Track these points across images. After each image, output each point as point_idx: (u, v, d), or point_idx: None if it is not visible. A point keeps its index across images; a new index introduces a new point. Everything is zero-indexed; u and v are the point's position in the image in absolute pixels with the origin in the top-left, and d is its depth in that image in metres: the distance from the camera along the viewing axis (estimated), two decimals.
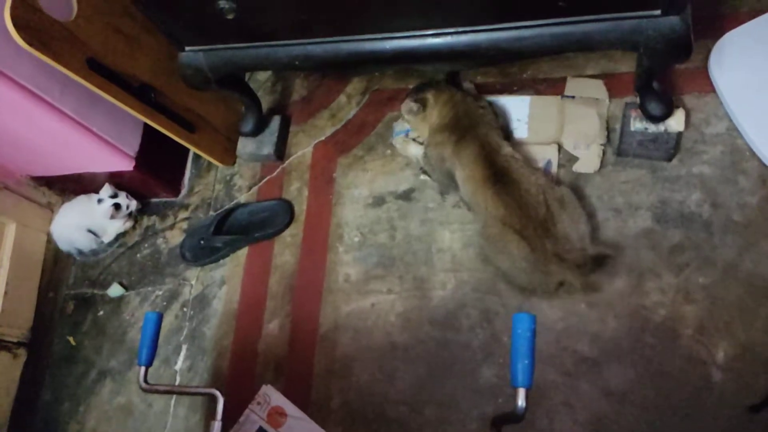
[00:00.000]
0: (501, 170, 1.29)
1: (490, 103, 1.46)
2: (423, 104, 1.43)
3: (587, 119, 1.44)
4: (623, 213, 1.36)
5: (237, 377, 1.51)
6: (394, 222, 1.53)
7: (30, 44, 1.18)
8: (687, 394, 1.19)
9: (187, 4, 1.20)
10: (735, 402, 1.16)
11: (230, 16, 1.18)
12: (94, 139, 1.52)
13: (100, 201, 1.68)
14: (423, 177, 1.55)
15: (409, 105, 1.44)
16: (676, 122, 1.33)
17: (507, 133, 1.45)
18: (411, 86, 1.54)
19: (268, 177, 1.72)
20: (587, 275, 1.26)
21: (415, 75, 1.66)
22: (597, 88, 1.48)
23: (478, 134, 1.34)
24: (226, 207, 1.71)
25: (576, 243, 1.24)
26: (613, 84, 1.48)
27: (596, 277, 1.30)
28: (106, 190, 1.68)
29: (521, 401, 0.84)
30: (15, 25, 1.15)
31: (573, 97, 1.48)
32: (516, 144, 1.46)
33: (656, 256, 1.31)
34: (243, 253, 1.65)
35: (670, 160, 1.37)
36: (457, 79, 1.51)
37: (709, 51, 1.42)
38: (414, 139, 1.54)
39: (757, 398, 1.15)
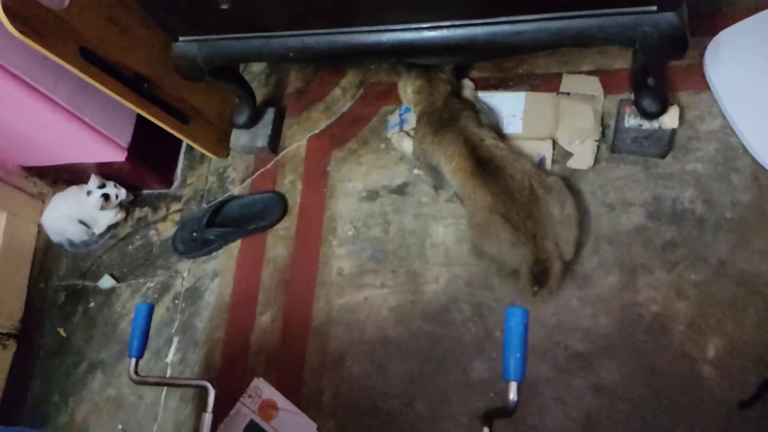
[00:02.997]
0: (485, 160, 1.30)
1: (470, 101, 1.47)
2: (403, 74, 1.51)
3: (582, 115, 1.44)
4: (616, 209, 1.36)
5: (228, 370, 1.50)
6: (387, 216, 1.53)
7: (23, 33, 1.17)
8: (678, 389, 1.20)
9: None
10: (725, 398, 1.17)
11: (225, 6, 1.17)
12: (86, 130, 1.51)
13: (89, 193, 1.67)
14: (416, 171, 1.55)
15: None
16: (670, 119, 1.33)
17: (494, 129, 1.45)
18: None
19: (261, 169, 1.71)
20: (542, 278, 1.25)
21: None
22: (592, 85, 1.48)
23: (457, 127, 1.36)
24: (219, 199, 1.70)
25: (557, 226, 1.25)
26: (608, 80, 1.48)
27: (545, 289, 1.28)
28: (93, 181, 1.67)
29: (513, 395, 0.84)
30: (7, 13, 1.13)
31: (568, 93, 1.48)
32: (508, 139, 1.46)
33: (649, 252, 1.31)
34: (236, 245, 1.64)
35: (663, 156, 1.38)
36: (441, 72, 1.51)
37: (704, 48, 1.42)
38: (407, 133, 1.54)
39: (747, 394, 1.16)
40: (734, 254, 1.27)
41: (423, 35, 1.21)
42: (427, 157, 1.41)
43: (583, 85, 1.49)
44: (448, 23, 1.18)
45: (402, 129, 1.55)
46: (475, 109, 1.44)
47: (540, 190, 1.26)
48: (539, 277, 1.25)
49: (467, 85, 1.56)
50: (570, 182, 1.40)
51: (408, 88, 1.50)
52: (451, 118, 1.38)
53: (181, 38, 1.32)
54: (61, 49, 1.25)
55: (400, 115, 1.57)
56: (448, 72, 1.48)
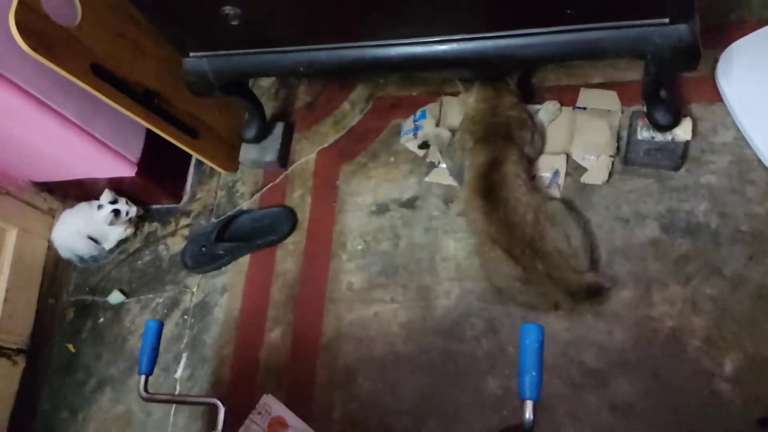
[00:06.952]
0: (493, 185, 1.29)
1: (533, 126, 1.42)
2: (466, 88, 1.46)
3: (598, 131, 1.42)
4: (630, 222, 1.35)
5: (238, 386, 1.49)
6: (397, 230, 1.52)
7: (34, 50, 1.17)
8: (694, 406, 1.18)
9: (191, 11, 1.19)
10: (743, 415, 1.15)
11: (235, 23, 1.17)
12: (96, 145, 1.51)
13: (99, 207, 1.67)
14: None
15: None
16: (683, 131, 1.32)
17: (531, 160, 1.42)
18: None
19: (270, 184, 1.71)
20: (578, 302, 1.25)
21: (420, 82, 1.66)
22: (610, 100, 1.46)
23: (497, 145, 1.34)
24: (228, 214, 1.70)
25: (569, 259, 1.23)
26: (619, 92, 1.46)
27: (587, 306, 1.28)
28: (106, 196, 1.67)
29: (529, 414, 0.82)
30: (19, 30, 1.14)
31: (585, 108, 1.47)
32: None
33: (663, 266, 1.29)
34: (245, 260, 1.64)
35: (677, 169, 1.36)
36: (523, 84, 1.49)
37: (716, 60, 1.41)
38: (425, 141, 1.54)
39: (765, 411, 1.13)
40: (750, 268, 1.25)
41: (433, 49, 1.20)
42: (460, 155, 1.39)
43: (600, 99, 1.47)
44: (458, 37, 1.18)
45: (416, 135, 1.54)
46: (533, 136, 1.40)
47: (545, 225, 1.24)
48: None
49: (546, 109, 1.48)
50: (576, 203, 1.39)
51: (470, 98, 1.45)
52: (498, 133, 1.36)
53: (191, 54, 1.33)
54: (72, 65, 1.25)
55: (415, 121, 1.57)
56: (514, 83, 1.45)
